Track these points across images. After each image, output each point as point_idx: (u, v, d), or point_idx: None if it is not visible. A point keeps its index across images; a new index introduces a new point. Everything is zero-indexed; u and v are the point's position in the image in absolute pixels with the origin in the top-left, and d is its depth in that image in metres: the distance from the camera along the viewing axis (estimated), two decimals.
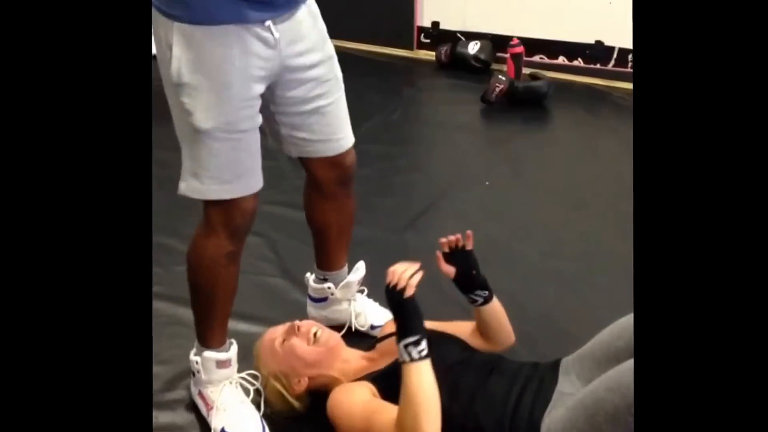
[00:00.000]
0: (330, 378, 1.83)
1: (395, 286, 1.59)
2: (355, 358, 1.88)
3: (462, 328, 1.93)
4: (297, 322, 1.88)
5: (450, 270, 1.84)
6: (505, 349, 1.92)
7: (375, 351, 1.92)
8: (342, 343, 1.90)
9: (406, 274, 1.59)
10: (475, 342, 1.90)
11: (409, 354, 1.55)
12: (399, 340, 1.58)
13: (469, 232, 1.82)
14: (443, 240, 1.83)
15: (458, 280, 1.85)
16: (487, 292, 1.86)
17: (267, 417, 1.87)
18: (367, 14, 4.38)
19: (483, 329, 1.92)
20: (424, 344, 1.56)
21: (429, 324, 1.94)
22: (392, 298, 1.60)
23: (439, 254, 1.84)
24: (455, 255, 1.84)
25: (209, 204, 1.71)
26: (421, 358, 1.55)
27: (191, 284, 1.82)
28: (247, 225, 1.76)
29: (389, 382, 1.67)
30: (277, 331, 1.88)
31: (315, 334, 1.84)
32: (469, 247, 1.84)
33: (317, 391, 1.84)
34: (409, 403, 1.54)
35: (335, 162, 1.90)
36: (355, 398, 1.69)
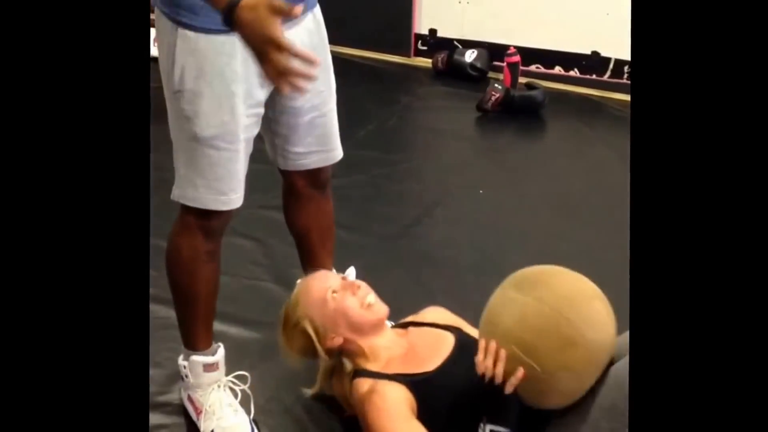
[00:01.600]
0: (360, 350, 1.79)
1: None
2: (390, 340, 1.84)
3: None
4: (358, 282, 1.86)
5: None
6: None
7: (406, 336, 1.88)
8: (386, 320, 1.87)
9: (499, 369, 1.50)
10: None
11: None
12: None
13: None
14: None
15: None
16: None
17: (258, 420, 1.86)
18: (365, 21, 4.38)
19: None
20: None
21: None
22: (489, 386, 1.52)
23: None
24: None
25: (192, 208, 1.70)
26: None
27: (171, 285, 1.81)
28: (224, 228, 1.77)
29: (428, 391, 1.66)
30: (331, 280, 1.86)
31: (370, 302, 1.82)
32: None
33: (341, 353, 1.82)
34: None
35: (314, 171, 1.91)
36: (395, 425, 1.63)
